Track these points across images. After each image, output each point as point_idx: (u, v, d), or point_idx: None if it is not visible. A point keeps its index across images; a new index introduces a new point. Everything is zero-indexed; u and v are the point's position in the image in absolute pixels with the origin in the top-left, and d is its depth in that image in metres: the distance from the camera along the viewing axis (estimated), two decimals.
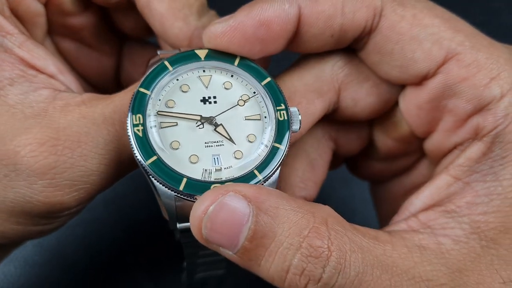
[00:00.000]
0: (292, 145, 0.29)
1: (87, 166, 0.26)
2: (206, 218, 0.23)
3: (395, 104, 0.31)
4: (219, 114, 0.27)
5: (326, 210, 0.25)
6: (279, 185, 0.35)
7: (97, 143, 0.26)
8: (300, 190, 0.33)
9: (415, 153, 0.34)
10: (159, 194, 0.26)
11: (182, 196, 0.25)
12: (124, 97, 0.27)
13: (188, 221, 0.25)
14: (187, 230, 0.26)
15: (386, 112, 0.32)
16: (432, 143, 0.30)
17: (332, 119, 0.32)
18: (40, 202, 0.26)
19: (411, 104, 0.30)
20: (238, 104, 0.28)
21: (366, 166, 0.38)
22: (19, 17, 0.30)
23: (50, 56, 0.30)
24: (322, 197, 0.38)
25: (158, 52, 0.29)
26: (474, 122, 0.27)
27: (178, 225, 0.27)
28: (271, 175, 0.26)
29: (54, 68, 0.29)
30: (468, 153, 0.27)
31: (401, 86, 0.30)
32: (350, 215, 0.43)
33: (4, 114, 0.26)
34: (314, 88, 0.30)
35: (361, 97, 0.30)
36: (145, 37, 0.38)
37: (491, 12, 0.58)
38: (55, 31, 0.34)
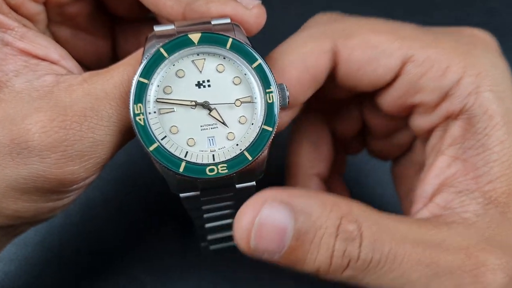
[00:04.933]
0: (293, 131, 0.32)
1: (95, 137, 0.28)
2: (255, 228, 0.26)
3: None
4: (214, 104, 0.29)
5: (352, 202, 0.28)
6: (289, 169, 0.39)
7: (102, 117, 0.28)
8: (309, 169, 0.38)
9: (408, 129, 0.36)
10: (162, 172, 0.29)
11: (182, 177, 0.28)
12: (122, 72, 0.29)
13: (188, 192, 0.29)
14: (189, 198, 0.30)
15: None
16: (413, 123, 0.33)
17: (325, 100, 0.35)
18: (53, 174, 0.28)
19: (385, 102, 0.33)
20: (234, 104, 0.29)
21: (371, 145, 0.41)
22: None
23: (52, 44, 0.31)
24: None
25: (155, 28, 0.30)
26: (443, 108, 0.30)
27: (181, 195, 0.30)
28: (260, 156, 0.29)
29: (56, 55, 0.30)
30: (451, 133, 0.30)
31: None
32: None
33: (12, 100, 0.28)
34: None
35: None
36: (138, 18, 0.39)
37: (490, 12, 0.58)
38: (52, 20, 0.35)
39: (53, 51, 0.30)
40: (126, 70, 0.29)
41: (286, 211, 0.26)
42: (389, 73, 0.31)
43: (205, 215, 0.34)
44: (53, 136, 0.27)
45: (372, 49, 0.30)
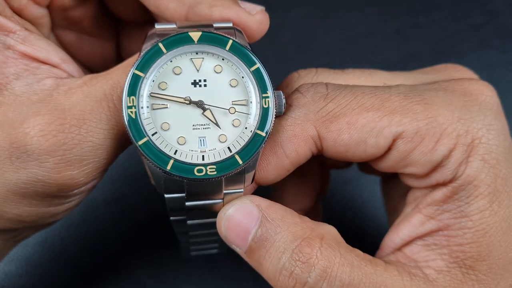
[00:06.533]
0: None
1: (94, 141, 0.28)
2: (225, 218, 0.28)
3: None
4: (210, 106, 0.28)
5: (326, 228, 0.28)
6: (274, 196, 0.39)
7: (101, 119, 0.28)
8: (294, 204, 0.37)
9: None
10: (149, 169, 0.28)
11: (168, 175, 0.27)
12: (122, 74, 0.29)
13: (173, 193, 0.28)
14: (174, 200, 0.29)
15: None
16: (402, 179, 0.33)
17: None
18: (52, 179, 0.27)
19: (376, 167, 0.32)
20: (229, 111, 0.29)
21: (361, 164, 0.40)
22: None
23: (53, 47, 0.31)
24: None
25: (156, 26, 0.30)
26: (433, 178, 0.30)
27: (166, 196, 0.29)
28: (251, 161, 0.28)
29: (57, 58, 0.30)
30: (435, 195, 0.30)
31: None
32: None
33: (12, 103, 0.28)
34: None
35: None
36: (141, 21, 0.39)
37: (490, 12, 0.58)
38: (57, 25, 0.35)
39: (54, 54, 0.30)
40: (126, 72, 0.29)
41: (256, 214, 0.28)
42: (379, 151, 0.29)
43: (191, 233, 0.34)
44: (51, 140, 0.27)
45: (360, 130, 0.29)
